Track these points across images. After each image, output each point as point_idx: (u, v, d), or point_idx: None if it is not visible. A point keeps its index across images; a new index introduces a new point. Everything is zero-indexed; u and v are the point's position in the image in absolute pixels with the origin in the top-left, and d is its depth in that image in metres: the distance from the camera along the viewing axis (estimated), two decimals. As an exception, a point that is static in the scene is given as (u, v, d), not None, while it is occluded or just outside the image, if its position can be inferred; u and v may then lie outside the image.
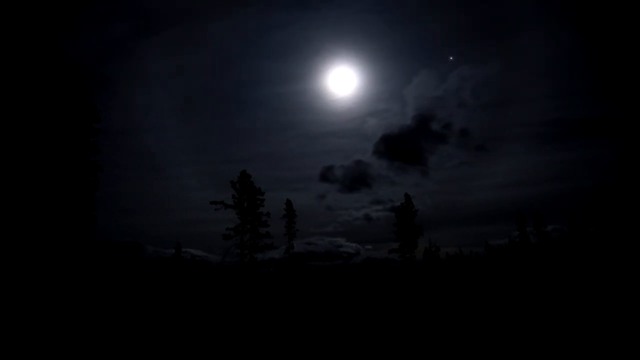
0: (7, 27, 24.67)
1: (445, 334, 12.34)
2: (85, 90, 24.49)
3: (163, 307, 18.65)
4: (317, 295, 26.96)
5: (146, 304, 19.12)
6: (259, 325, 14.51)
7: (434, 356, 9.84)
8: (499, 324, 13.65)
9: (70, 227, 23.00)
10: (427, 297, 24.53)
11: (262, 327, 14.09)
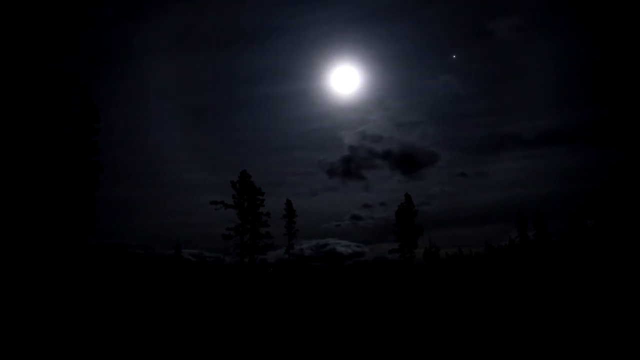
0: (8, 29, 24.69)
1: (444, 333, 12.36)
2: (85, 90, 24.53)
3: (166, 306, 18.67)
4: (318, 296, 26.96)
5: (148, 303, 19.14)
6: (259, 324, 14.53)
7: (433, 356, 9.85)
8: (497, 324, 13.66)
9: (71, 227, 23.01)
10: (427, 297, 24.52)
11: (262, 326, 14.11)
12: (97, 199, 24.11)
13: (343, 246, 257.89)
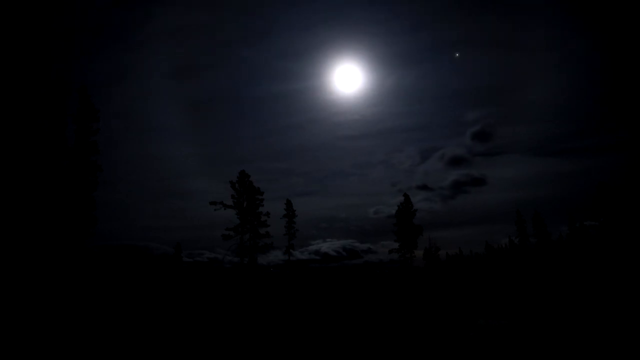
0: (8, 29, 24.66)
1: (445, 333, 12.32)
2: (84, 90, 24.49)
3: (166, 306, 18.63)
4: (319, 296, 26.91)
5: (148, 304, 19.11)
6: (260, 324, 14.49)
7: (434, 355, 9.82)
8: (497, 324, 13.63)
9: (70, 227, 22.95)
10: (427, 297, 24.48)
11: (263, 326, 14.07)
12: (98, 200, 24.07)
13: (342, 247, 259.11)
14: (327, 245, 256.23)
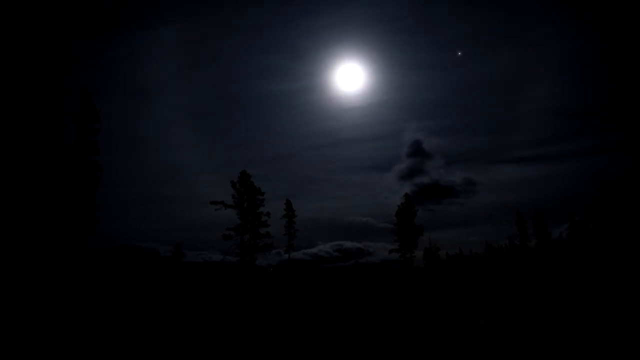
0: (9, 29, 24.70)
1: (445, 333, 12.34)
2: (84, 91, 24.52)
3: (166, 307, 18.66)
4: (319, 296, 26.92)
5: (148, 304, 19.13)
6: (260, 325, 14.51)
7: (434, 355, 9.84)
8: (498, 324, 13.65)
9: (71, 227, 22.99)
10: (427, 297, 24.50)
11: (263, 327, 14.09)
12: (99, 200, 24.13)
13: (333, 248, 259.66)
14: (319, 247, 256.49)
